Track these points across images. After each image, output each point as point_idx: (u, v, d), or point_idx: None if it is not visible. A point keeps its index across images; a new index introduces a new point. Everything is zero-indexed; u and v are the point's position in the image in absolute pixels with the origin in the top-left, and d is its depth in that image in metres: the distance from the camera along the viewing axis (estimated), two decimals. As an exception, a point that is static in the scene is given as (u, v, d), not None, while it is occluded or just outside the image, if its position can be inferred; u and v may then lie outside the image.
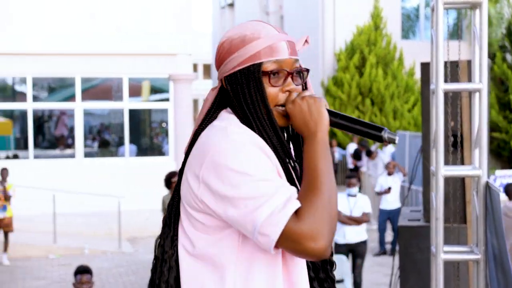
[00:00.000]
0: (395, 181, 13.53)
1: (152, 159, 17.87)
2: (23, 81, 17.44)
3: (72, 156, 17.77)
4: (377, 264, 12.31)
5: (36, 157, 17.46)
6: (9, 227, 12.74)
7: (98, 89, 18.52)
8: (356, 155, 19.33)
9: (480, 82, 4.03)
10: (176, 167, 15.19)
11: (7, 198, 12.72)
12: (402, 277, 5.40)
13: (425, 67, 5.05)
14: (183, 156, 2.09)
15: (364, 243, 10.15)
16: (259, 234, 1.83)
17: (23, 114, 17.49)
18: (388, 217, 13.25)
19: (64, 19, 16.77)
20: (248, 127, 2.00)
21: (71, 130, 18.03)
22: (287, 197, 1.85)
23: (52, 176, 16.61)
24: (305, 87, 2.12)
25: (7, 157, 17.79)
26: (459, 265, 4.68)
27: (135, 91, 18.12)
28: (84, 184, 16.31)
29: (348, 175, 10.77)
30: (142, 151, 18.53)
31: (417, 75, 21.76)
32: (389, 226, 13.74)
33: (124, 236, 14.30)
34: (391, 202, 13.29)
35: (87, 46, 16.75)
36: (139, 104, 18.46)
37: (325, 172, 1.90)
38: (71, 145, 18.05)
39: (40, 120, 18.57)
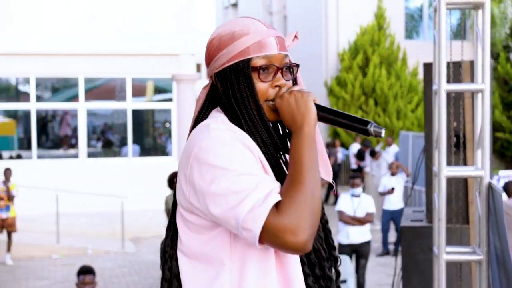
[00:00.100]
0: (399, 182, 13.51)
1: (156, 159, 17.87)
2: (27, 81, 17.46)
3: (75, 156, 17.78)
4: (380, 264, 12.30)
5: (39, 157, 17.48)
6: (12, 227, 12.75)
7: (101, 89, 18.53)
8: (360, 155, 19.31)
9: (482, 82, 4.02)
10: (179, 167, 15.17)
11: (10, 198, 12.73)
12: (404, 277, 5.39)
13: (428, 68, 5.05)
14: None
15: (367, 243, 10.14)
16: (242, 229, 1.83)
17: (27, 114, 17.50)
18: (391, 217, 13.24)
19: (67, 19, 16.79)
20: (237, 123, 2.01)
21: (75, 130, 18.04)
22: (268, 191, 1.84)
23: (55, 176, 16.62)
24: (295, 83, 2.13)
25: (11, 157, 17.82)
26: (462, 265, 4.68)
27: (138, 91, 18.12)
28: (87, 184, 16.32)
29: (352, 176, 10.75)
30: (146, 151, 18.54)
31: (421, 75, 21.72)
32: (392, 227, 13.73)
33: (127, 236, 14.31)
34: (394, 202, 13.28)
35: (91, 46, 16.76)
36: (142, 104, 18.47)
37: (309, 166, 1.90)
38: (74, 145, 18.06)
39: (44, 120, 18.59)
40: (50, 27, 16.65)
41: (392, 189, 13.27)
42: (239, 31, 2.04)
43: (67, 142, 18.48)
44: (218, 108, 2.08)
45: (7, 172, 12.90)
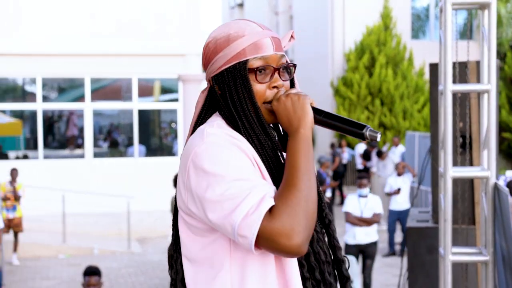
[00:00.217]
0: (405, 182, 13.49)
1: (162, 159, 17.88)
2: (33, 81, 17.49)
3: (82, 156, 17.80)
4: (386, 265, 12.29)
5: (45, 157, 17.50)
6: (18, 227, 12.78)
7: (107, 90, 18.56)
8: (366, 156, 19.30)
9: (488, 83, 4.01)
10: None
11: (17, 198, 12.76)
12: (410, 278, 5.39)
13: (434, 68, 5.04)
14: None
15: (374, 244, 10.12)
16: (238, 236, 1.83)
17: (33, 114, 17.53)
18: (397, 217, 13.21)
19: (73, 20, 16.81)
20: (235, 126, 2.01)
21: (81, 130, 18.07)
22: (261, 196, 1.84)
23: (61, 176, 16.65)
24: (292, 83, 2.12)
25: (17, 157, 17.85)
26: (468, 266, 4.67)
27: (144, 92, 18.14)
28: (93, 185, 16.34)
29: (360, 176, 10.71)
30: (152, 152, 18.55)
31: (427, 75, 21.68)
32: (398, 227, 13.71)
33: (133, 237, 14.33)
34: (400, 203, 13.25)
35: (97, 46, 16.78)
36: (148, 104, 18.48)
37: (304, 169, 1.89)
38: (80, 145, 18.08)
39: (50, 120, 18.62)
40: (56, 27, 16.67)
41: (399, 189, 13.25)
42: (235, 33, 2.03)
43: (73, 142, 18.51)
44: (217, 112, 2.08)
45: (14, 172, 12.92)
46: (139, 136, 17.87)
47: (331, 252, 2.13)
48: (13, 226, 12.70)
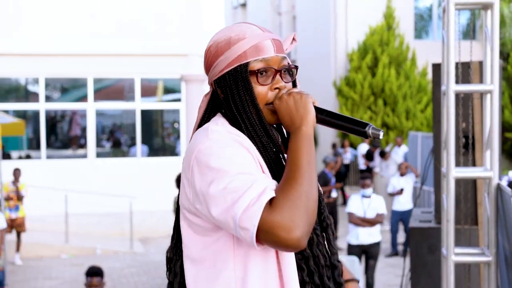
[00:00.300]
0: (408, 182, 13.47)
1: (164, 159, 17.88)
2: (36, 81, 17.50)
3: (84, 156, 17.82)
4: (389, 265, 12.28)
5: (48, 157, 17.52)
6: (21, 227, 12.79)
7: (110, 90, 18.57)
8: (369, 156, 19.28)
9: (491, 83, 4.01)
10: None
11: (19, 198, 12.77)
12: (413, 278, 5.38)
13: (437, 68, 5.03)
14: None
15: (377, 244, 10.10)
16: (240, 229, 1.82)
17: (36, 114, 17.55)
18: (400, 218, 13.20)
19: (76, 19, 16.82)
20: (238, 128, 2.02)
21: (84, 130, 18.08)
22: (262, 188, 1.83)
23: (64, 176, 16.67)
24: (295, 85, 2.13)
25: (20, 157, 17.86)
26: (470, 267, 4.66)
27: (147, 92, 18.15)
28: (96, 184, 16.35)
29: (363, 176, 10.69)
30: (154, 152, 18.56)
31: (430, 75, 21.66)
32: (401, 227, 13.69)
33: (136, 237, 14.33)
34: (403, 203, 13.24)
35: (99, 46, 16.79)
36: (151, 104, 18.49)
37: (305, 165, 1.89)
38: (83, 145, 18.10)
39: (53, 120, 18.63)
40: (59, 27, 16.69)
41: (401, 190, 13.23)
42: (235, 36, 2.04)
43: (76, 142, 18.52)
44: (219, 114, 2.09)
45: (17, 172, 12.93)
46: (141, 136, 17.88)
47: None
48: (16, 226, 12.71)
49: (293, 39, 2.14)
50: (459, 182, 4.74)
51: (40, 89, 17.35)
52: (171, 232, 2.19)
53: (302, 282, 2.00)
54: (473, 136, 4.88)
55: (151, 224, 15.64)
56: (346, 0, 23.86)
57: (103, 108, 18.44)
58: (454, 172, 4.10)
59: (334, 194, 13.80)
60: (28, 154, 18.01)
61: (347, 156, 20.95)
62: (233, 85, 2.02)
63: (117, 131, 19.25)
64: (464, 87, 4.21)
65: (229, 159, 1.88)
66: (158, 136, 19.32)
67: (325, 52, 24.66)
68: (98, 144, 18.19)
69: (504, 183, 5.01)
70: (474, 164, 4.89)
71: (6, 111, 16.49)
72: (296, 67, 2.10)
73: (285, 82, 2.06)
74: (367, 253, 10.05)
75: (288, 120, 1.98)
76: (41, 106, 17.33)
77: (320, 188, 2.12)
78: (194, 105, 17.42)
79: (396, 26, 23.23)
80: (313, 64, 25.27)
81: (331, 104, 23.18)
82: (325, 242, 2.12)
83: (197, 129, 2.11)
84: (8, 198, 12.65)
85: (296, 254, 2.00)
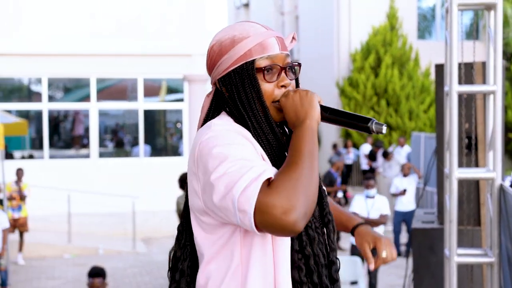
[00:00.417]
0: (410, 183, 13.46)
1: (167, 159, 17.89)
2: (39, 81, 17.51)
3: (87, 156, 17.83)
4: (392, 266, 12.25)
5: (51, 157, 17.53)
6: (24, 227, 12.79)
7: (113, 90, 18.58)
8: (371, 156, 19.27)
9: (494, 84, 4.00)
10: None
11: (22, 198, 12.77)
12: (415, 279, 5.37)
13: (440, 69, 5.03)
14: None
15: (380, 245, 10.08)
16: (238, 212, 1.81)
17: (39, 114, 17.56)
18: (403, 218, 13.18)
19: (79, 19, 16.83)
20: (244, 125, 2.02)
21: (86, 130, 18.09)
22: (261, 171, 1.83)
23: (67, 176, 16.68)
24: (297, 82, 2.14)
25: (23, 157, 17.88)
26: (473, 268, 4.65)
27: (150, 92, 18.16)
28: (99, 184, 16.36)
29: (367, 177, 10.67)
30: (157, 152, 18.57)
31: (433, 75, 21.64)
32: (404, 228, 13.68)
33: (138, 237, 14.34)
34: (406, 203, 13.23)
35: (102, 46, 16.80)
36: (154, 104, 18.50)
37: (307, 153, 1.88)
38: (86, 145, 18.11)
39: (56, 120, 18.65)
40: (62, 27, 16.70)
41: (404, 190, 13.22)
42: (239, 34, 2.05)
43: (79, 142, 18.53)
44: (224, 113, 2.09)
45: (19, 172, 12.94)
46: (144, 136, 17.89)
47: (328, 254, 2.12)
48: (19, 226, 12.71)
49: (293, 38, 2.15)
50: (462, 182, 4.74)
51: (43, 89, 17.36)
52: (174, 232, 2.20)
53: (299, 283, 1.99)
54: (476, 136, 4.88)
55: (153, 224, 15.64)
56: (349, 0, 23.85)
57: (106, 108, 18.45)
58: (457, 172, 4.10)
59: (339, 194, 13.79)
60: (31, 154, 18.02)
61: (350, 156, 20.94)
62: (239, 82, 2.03)
63: (120, 131, 19.26)
64: (467, 88, 4.20)
65: (230, 147, 1.89)
66: (161, 136, 19.32)
67: (328, 52, 24.65)
68: (101, 144, 18.20)
69: (507, 183, 5.01)
70: (477, 165, 4.88)
71: (9, 111, 16.50)
72: (299, 65, 2.12)
73: (290, 79, 2.07)
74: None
75: (293, 116, 1.98)
76: (44, 106, 17.34)
77: (324, 187, 2.12)
78: (197, 105, 17.43)
79: (399, 27, 23.21)
80: (316, 64, 25.26)
81: (334, 104, 23.16)
82: (325, 238, 2.11)
83: (200, 128, 2.10)
84: (11, 198, 12.66)
85: (296, 253, 1.99)
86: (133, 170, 17.26)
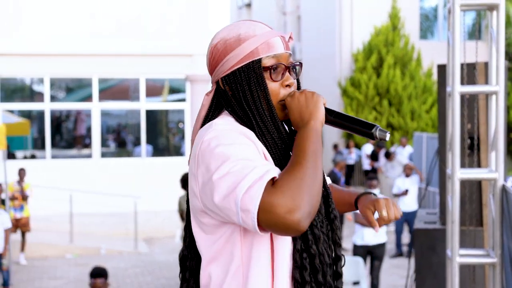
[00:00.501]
0: (413, 183, 13.46)
1: (169, 159, 17.90)
2: (41, 81, 17.53)
3: (89, 156, 17.84)
4: (394, 266, 12.26)
5: (53, 157, 17.55)
6: (26, 226, 12.79)
7: (115, 90, 18.59)
8: (374, 156, 19.27)
9: (497, 84, 3.99)
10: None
11: (24, 198, 12.78)
12: (417, 279, 5.37)
13: (442, 69, 5.02)
14: None
15: (382, 245, 10.08)
16: (241, 211, 1.80)
17: (41, 114, 17.58)
18: (405, 219, 13.17)
19: (82, 20, 16.84)
20: (248, 125, 2.02)
21: (88, 130, 18.11)
22: (265, 171, 1.82)
23: (69, 176, 16.69)
24: (298, 81, 2.14)
25: (25, 157, 17.89)
26: (475, 268, 4.65)
27: (152, 92, 18.17)
28: (101, 184, 16.37)
29: (369, 177, 10.66)
30: (159, 152, 18.58)
31: (435, 75, 21.62)
32: (406, 228, 13.67)
33: (140, 237, 14.34)
34: (408, 204, 13.22)
35: (104, 46, 16.81)
36: (156, 104, 18.51)
37: (311, 152, 1.88)
38: (88, 145, 18.12)
39: (58, 120, 18.66)
40: (64, 27, 16.71)
41: (406, 190, 13.22)
42: (245, 33, 2.04)
43: (81, 142, 18.55)
44: (225, 111, 2.08)
45: (21, 172, 12.94)
46: (146, 136, 17.90)
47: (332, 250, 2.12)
48: (21, 225, 12.72)
49: (290, 37, 2.15)
50: (464, 183, 4.73)
51: (45, 89, 17.37)
52: (176, 232, 2.21)
53: (303, 282, 1.99)
54: (478, 137, 4.87)
55: (155, 224, 15.64)
56: (351, 0, 23.85)
57: (108, 108, 18.46)
58: (459, 173, 4.09)
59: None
60: (33, 154, 18.03)
61: (352, 156, 20.93)
62: (245, 81, 2.02)
63: (122, 131, 19.27)
64: (470, 88, 4.20)
65: (233, 147, 1.88)
66: (163, 136, 19.33)
67: (330, 52, 24.65)
68: (103, 144, 18.21)
69: (509, 184, 5.00)
70: (479, 165, 4.87)
71: (11, 111, 16.52)
72: (301, 64, 2.12)
73: (293, 79, 2.08)
74: (373, 253, 10.03)
75: (298, 117, 1.99)
76: (46, 106, 17.35)
77: (328, 180, 2.13)
78: (199, 105, 17.40)
79: (401, 27, 23.20)
80: (318, 64, 25.26)
81: (336, 105, 23.17)
82: (331, 234, 2.11)
83: (200, 127, 2.09)
84: (13, 198, 12.66)
85: (301, 252, 1.99)
86: (135, 170, 17.27)
